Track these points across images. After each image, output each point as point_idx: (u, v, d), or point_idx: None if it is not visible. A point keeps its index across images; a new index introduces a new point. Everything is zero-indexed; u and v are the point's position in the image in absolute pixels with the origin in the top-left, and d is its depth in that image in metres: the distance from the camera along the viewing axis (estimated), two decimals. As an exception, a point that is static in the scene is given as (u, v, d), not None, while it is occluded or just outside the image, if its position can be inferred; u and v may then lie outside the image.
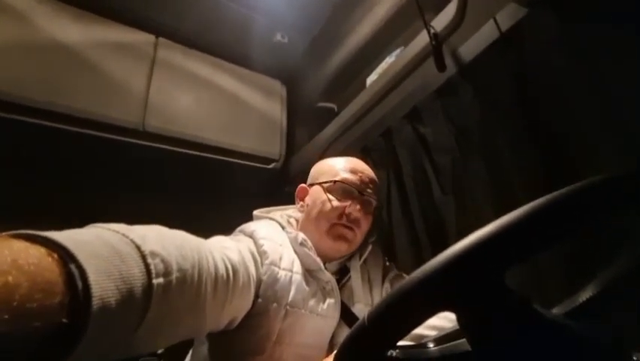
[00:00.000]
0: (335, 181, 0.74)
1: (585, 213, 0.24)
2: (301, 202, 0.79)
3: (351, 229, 0.71)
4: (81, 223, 0.36)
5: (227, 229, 0.72)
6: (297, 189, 0.82)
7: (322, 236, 0.71)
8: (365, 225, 0.74)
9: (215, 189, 1.68)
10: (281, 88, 1.78)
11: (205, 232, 0.61)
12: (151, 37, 1.43)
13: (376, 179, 0.80)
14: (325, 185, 0.75)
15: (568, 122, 0.69)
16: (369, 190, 0.75)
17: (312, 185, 0.79)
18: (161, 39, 1.45)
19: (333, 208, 0.71)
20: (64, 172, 1.34)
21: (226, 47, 1.58)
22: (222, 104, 1.56)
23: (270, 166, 1.66)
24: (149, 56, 1.41)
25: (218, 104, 1.55)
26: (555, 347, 0.27)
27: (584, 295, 0.35)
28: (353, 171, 0.76)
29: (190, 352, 0.77)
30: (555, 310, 0.36)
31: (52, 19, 1.22)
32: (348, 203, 0.72)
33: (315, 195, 0.76)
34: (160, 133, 1.37)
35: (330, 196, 0.73)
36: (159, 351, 0.85)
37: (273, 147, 1.68)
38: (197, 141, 1.46)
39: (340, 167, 0.77)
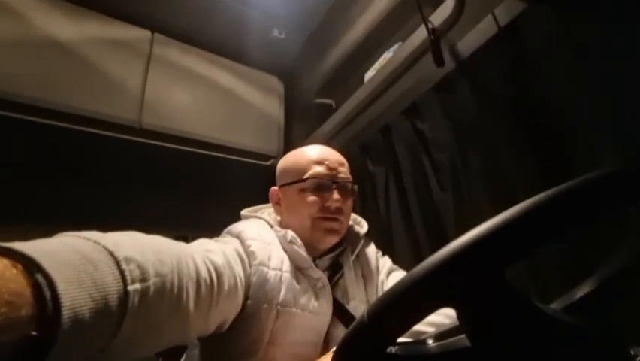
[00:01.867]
0: (305, 179, 0.71)
1: (586, 208, 0.24)
2: (277, 205, 0.77)
3: (335, 219, 0.70)
4: (75, 222, 0.36)
5: (224, 226, 0.71)
6: (270, 192, 0.78)
7: (309, 233, 0.70)
8: (347, 209, 0.73)
9: (212, 186, 1.67)
10: (278, 84, 1.77)
11: (202, 229, 0.60)
12: (147, 33, 1.42)
13: (343, 160, 0.77)
14: (296, 185, 0.72)
15: (566, 118, 0.69)
16: (341, 175, 0.73)
17: (282, 186, 0.75)
18: (157, 35, 1.44)
19: (312, 205, 0.69)
20: (60, 169, 1.33)
21: (223, 43, 1.57)
22: (219, 101, 1.55)
23: (268, 163, 1.65)
24: (145, 52, 1.40)
25: (215, 100, 1.54)
26: (554, 341, 0.27)
27: (583, 291, 0.35)
28: (319, 162, 0.73)
29: (184, 355, 0.77)
30: (554, 306, 0.36)
31: (46, 16, 1.21)
32: (324, 195, 0.70)
33: (290, 198, 0.73)
34: (157, 130, 1.36)
35: (305, 195, 0.70)
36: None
37: (270, 143, 1.67)
38: (194, 137, 1.45)
39: (306, 161, 0.73)
